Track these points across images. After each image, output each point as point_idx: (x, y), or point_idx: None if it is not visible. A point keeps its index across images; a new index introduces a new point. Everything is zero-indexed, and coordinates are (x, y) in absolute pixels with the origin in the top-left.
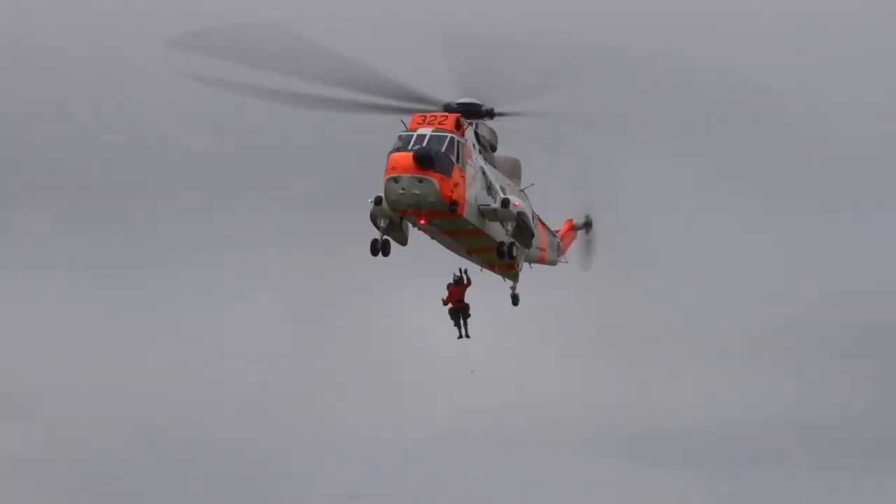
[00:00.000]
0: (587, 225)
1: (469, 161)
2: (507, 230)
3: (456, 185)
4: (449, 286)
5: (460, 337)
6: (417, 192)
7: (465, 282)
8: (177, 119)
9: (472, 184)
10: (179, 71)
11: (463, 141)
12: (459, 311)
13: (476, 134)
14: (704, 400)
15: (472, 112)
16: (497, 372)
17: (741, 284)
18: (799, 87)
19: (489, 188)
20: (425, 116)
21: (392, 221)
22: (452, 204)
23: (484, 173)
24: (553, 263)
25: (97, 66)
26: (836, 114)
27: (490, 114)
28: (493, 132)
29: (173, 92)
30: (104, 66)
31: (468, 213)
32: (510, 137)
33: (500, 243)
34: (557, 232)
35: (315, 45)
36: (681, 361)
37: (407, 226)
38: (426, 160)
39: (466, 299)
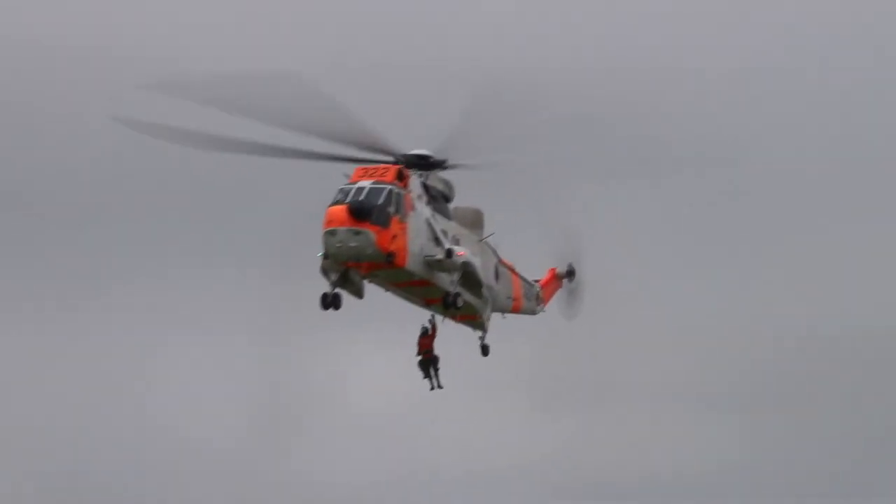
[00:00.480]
0: (570, 273)
1: (411, 212)
2: (451, 280)
3: (394, 236)
4: (419, 339)
5: (433, 388)
6: (354, 244)
7: (432, 330)
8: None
9: (416, 235)
10: (144, 120)
11: (403, 192)
12: (429, 363)
13: (425, 185)
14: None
15: (424, 164)
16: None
17: (700, 332)
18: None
19: (437, 239)
20: (367, 169)
21: (343, 275)
22: (389, 255)
23: (430, 224)
24: (532, 313)
25: (55, 108)
26: (792, 160)
27: (442, 165)
28: (447, 183)
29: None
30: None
31: (412, 264)
32: (474, 187)
33: (445, 293)
34: (539, 281)
35: (271, 93)
36: (633, 412)
37: (360, 279)
38: (361, 213)
39: (436, 350)
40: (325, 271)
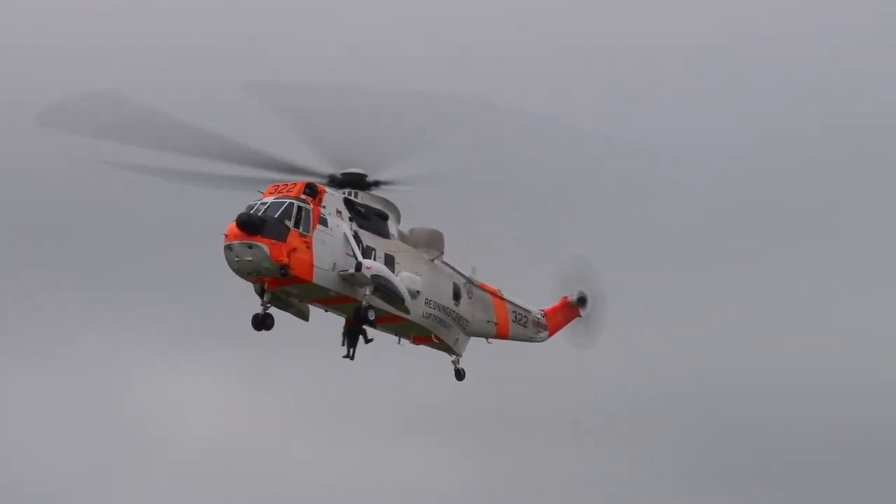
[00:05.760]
0: (581, 301)
1: (320, 227)
2: (364, 294)
3: (293, 249)
4: None
5: (346, 356)
6: (249, 258)
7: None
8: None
9: (328, 250)
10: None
11: (307, 207)
12: (353, 332)
13: (349, 202)
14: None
15: (356, 182)
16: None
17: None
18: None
19: (355, 255)
20: (278, 186)
21: (275, 295)
22: (282, 268)
23: (348, 239)
24: (530, 340)
25: None
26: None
27: (375, 184)
28: (384, 201)
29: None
30: None
31: (321, 278)
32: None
33: (356, 307)
34: (547, 308)
35: (192, 118)
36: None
37: (298, 300)
38: (249, 226)
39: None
40: (258, 292)
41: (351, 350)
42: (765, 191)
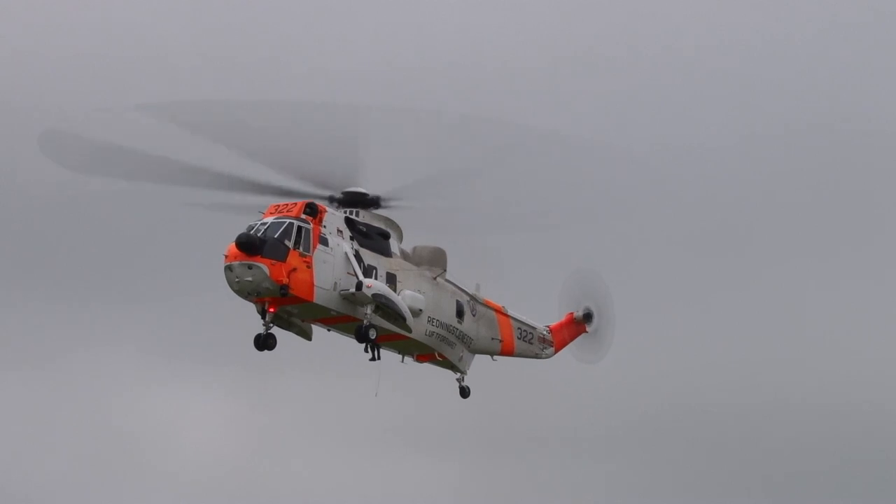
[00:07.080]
0: (587, 317)
1: (320, 247)
2: (365, 313)
3: (293, 269)
4: None
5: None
6: (249, 278)
7: None
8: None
9: (329, 269)
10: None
11: (308, 226)
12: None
13: (350, 220)
14: None
15: (357, 201)
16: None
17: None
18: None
19: (356, 274)
20: (278, 206)
21: (278, 315)
22: (282, 288)
23: (349, 258)
24: (535, 356)
25: None
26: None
27: (376, 202)
28: (386, 219)
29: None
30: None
31: (322, 298)
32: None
33: (357, 326)
34: (553, 325)
35: (194, 125)
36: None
37: (300, 319)
38: (248, 247)
39: None
40: (259, 312)
41: (376, 352)
42: (764, 191)
